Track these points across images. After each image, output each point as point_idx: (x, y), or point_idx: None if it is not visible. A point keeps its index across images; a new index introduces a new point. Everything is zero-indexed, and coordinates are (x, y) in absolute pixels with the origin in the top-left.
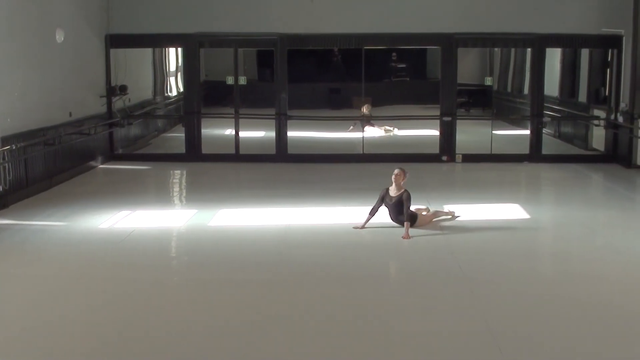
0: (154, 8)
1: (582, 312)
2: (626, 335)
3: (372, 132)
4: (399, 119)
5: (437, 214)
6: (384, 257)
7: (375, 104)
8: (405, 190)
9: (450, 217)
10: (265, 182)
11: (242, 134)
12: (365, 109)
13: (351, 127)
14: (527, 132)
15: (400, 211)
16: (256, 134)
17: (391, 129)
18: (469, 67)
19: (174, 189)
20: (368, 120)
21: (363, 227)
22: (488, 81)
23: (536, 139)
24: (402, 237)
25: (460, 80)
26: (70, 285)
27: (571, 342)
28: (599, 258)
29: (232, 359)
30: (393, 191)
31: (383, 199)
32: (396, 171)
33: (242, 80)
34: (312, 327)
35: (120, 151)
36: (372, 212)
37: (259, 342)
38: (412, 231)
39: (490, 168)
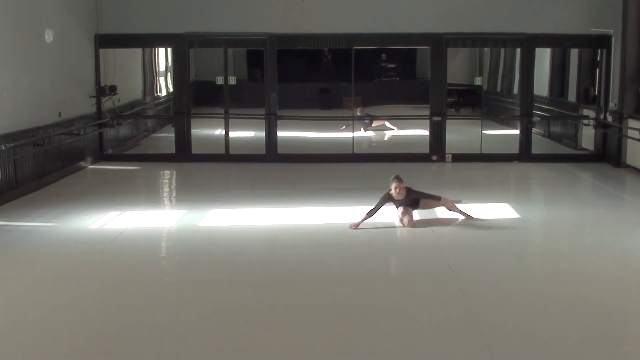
0: (143, 8)
1: (572, 311)
2: (615, 334)
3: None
4: (388, 118)
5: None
6: (374, 256)
7: (365, 104)
8: (411, 190)
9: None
10: (255, 182)
11: (232, 134)
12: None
13: (344, 127)
14: (517, 131)
15: (416, 205)
16: (246, 134)
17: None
18: (458, 67)
19: (164, 189)
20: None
21: (357, 226)
22: (478, 81)
23: (526, 138)
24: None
25: (450, 80)
26: (60, 286)
27: (560, 341)
28: (589, 257)
29: (223, 359)
30: (399, 196)
31: (384, 203)
32: (395, 184)
33: (232, 80)
34: (302, 327)
35: (109, 151)
36: (370, 214)
37: (250, 341)
38: (402, 229)
39: (480, 168)
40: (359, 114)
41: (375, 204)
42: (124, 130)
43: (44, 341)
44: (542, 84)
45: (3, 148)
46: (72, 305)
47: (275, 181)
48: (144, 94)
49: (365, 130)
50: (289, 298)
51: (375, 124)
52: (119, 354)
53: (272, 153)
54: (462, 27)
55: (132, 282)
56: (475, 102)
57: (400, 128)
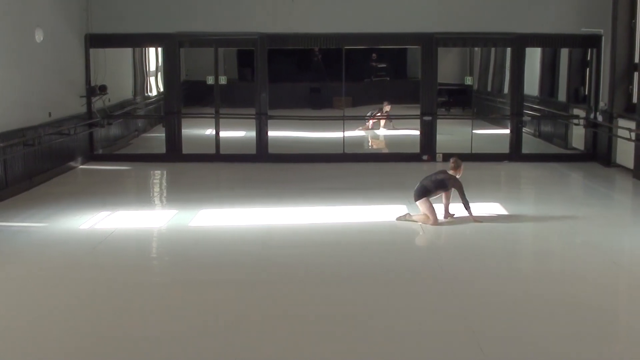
0: (133, 8)
1: (563, 311)
2: (606, 334)
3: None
4: (379, 118)
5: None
6: (365, 257)
7: (355, 103)
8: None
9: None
10: (246, 182)
11: (223, 133)
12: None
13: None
14: (507, 131)
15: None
16: (237, 133)
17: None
18: (449, 66)
19: (155, 189)
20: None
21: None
22: (468, 80)
23: (516, 138)
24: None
25: (440, 79)
26: (51, 287)
27: (551, 341)
28: (579, 256)
29: (214, 358)
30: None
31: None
32: (462, 166)
33: (223, 80)
34: (293, 327)
35: (100, 151)
36: (467, 205)
37: (241, 342)
38: (391, 227)
39: (470, 167)
40: (388, 108)
41: (464, 197)
42: (114, 130)
43: (35, 342)
44: (532, 84)
45: None
46: (62, 305)
47: (266, 181)
48: (135, 94)
49: (361, 129)
50: (281, 298)
51: (373, 121)
52: (110, 354)
53: (262, 153)
54: (453, 26)
55: (123, 282)
56: (465, 101)
57: (391, 128)
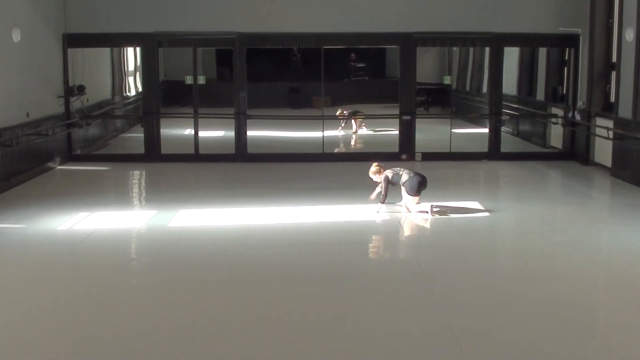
0: (111, 7)
1: (542, 309)
2: (585, 332)
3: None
4: (358, 117)
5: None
6: (345, 256)
7: (334, 103)
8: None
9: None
10: (225, 182)
11: (202, 133)
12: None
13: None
14: (486, 130)
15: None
16: (216, 133)
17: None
18: (427, 66)
19: (134, 190)
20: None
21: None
22: (447, 80)
23: (495, 137)
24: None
25: (419, 79)
26: (29, 288)
27: (531, 339)
28: (558, 254)
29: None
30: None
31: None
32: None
33: (201, 80)
34: (272, 328)
35: (78, 152)
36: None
37: (221, 342)
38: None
39: (449, 166)
40: (340, 113)
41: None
42: (92, 130)
43: (14, 342)
44: (511, 83)
45: None
46: (40, 307)
47: (245, 181)
48: (113, 94)
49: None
50: (260, 298)
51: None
52: (88, 355)
53: (241, 152)
54: (431, 26)
55: (102, 283)
56: (444, 101)
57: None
